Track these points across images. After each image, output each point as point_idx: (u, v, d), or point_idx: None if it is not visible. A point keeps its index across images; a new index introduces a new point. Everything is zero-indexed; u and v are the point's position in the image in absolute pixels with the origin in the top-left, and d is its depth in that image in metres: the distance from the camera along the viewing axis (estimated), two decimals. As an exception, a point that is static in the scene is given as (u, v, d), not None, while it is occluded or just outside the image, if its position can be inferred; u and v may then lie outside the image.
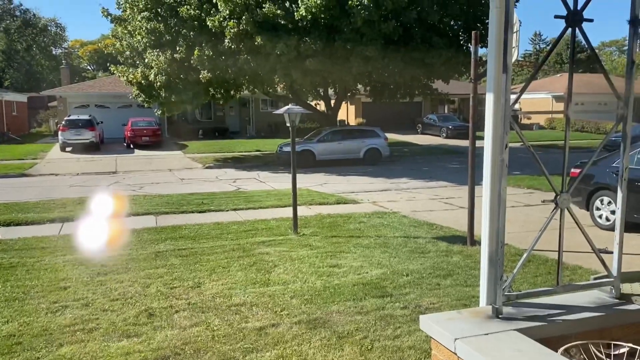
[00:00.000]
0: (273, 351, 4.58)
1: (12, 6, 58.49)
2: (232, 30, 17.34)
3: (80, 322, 5.26)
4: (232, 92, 22.09)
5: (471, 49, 8.16)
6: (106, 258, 7.65)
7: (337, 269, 7.00)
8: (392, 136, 28.66)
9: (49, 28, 61.94)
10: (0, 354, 4.57)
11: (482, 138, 2.93)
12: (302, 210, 10.51)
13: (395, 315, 5.33)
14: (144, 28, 19.00)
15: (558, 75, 47.57)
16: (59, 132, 26.58)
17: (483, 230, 2.66)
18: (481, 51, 21.38)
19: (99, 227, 9.79)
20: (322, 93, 25.88)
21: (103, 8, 21.66)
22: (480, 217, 2.76)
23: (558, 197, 2.64)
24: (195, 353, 4.57)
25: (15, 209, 11.68)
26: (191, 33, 18.26)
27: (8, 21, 58.27)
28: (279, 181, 16.82)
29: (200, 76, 18.76)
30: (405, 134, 33.89)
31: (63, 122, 27.01)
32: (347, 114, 38.53)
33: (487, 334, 2.36)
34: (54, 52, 63.39)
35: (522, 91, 2.75)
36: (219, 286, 6.34)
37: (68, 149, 26.12)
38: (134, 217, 10.78)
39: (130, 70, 20.99)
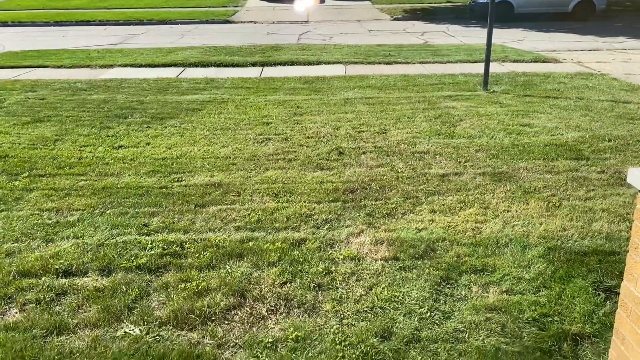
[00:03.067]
0: (455, 196, 4.71)
1: None
2: None
3: (281, 153, 5.94)
4: None
5: None
6: (301, 101, 8.26)
7: (529, 128, 6.64)
8: (612, -13, 24.29)
9: None
10: (221, 170, 5.46)
11: None
12: (493, 67, 9.91)
13: (590, 179, 5.01)
14: None
15: None
16: (257, -18, 27.68)
17: None
18: None
19: (293, 72, 10.45)
20: None
21: None
22: None
23: None
24: (381, 189, 4.92)
25: (223, 52, 12.93)
26: None
27: None
28: (470, 36, 15.78)
29: None
30: (629, -15, 28.44)
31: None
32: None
33: None
34: None
35: None
36: (404, 134, 6.52)
37: (265, -2, 27.29)
38: (324, 65, 11.23)
39: None
